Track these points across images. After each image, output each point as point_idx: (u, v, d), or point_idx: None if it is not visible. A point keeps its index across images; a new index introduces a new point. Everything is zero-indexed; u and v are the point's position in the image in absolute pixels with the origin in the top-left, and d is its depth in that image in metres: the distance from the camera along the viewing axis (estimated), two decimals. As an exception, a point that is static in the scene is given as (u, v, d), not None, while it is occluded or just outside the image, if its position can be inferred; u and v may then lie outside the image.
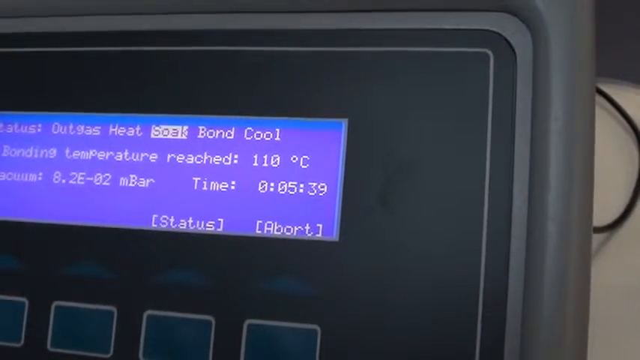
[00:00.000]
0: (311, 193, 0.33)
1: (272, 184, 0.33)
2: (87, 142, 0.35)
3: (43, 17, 0.37)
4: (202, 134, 0.34)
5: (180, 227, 0.33)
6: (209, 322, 0.32)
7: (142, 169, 0.34)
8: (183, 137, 0.34)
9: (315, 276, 0.32)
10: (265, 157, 0.33)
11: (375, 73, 0.33)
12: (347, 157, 0.33)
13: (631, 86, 0.57)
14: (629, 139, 0.55)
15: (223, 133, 0.34)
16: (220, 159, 0.34)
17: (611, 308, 0.49)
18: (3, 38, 0.37)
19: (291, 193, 0.33)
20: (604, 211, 0.52)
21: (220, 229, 0.33)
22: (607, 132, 0.55)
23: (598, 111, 0.54)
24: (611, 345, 0.47)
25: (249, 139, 0.34)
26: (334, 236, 0.32)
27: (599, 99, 0.55)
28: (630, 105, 0.56)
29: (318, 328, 0.31)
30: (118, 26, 0.36)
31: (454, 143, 0.32)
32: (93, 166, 0.35)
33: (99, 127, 0.35)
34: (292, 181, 0.33)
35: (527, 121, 0.31)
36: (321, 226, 0.32)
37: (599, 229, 0.51)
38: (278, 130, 0.33)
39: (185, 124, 0.34)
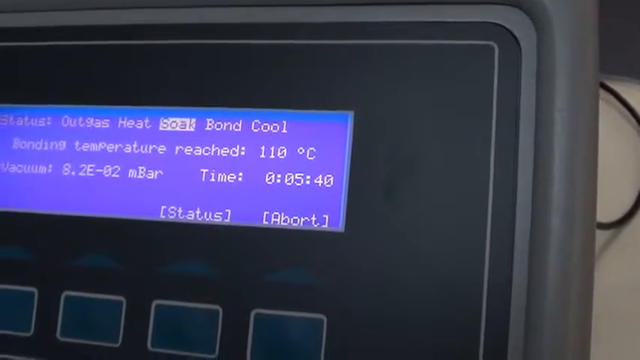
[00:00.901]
0: (317, 185, 0.33)
1: (279, 176, 0.33)
2: (96, 135, 0.36)
3: (52, 11, 0.37)
4: (210, 126, 0.34)
5: (188, 218, 0.34)
6: (216, 312, 0.33)
7: (151, 161, 0.35)
8: (191, 129, 0.35)
9: (321, 266, 0.32)
10: (272, 148, 0.34)
11: (380, 65, 0.33)
12: (353, 149, 0.33)
13: (638, 83, 0.57)
14: (636, 137, 0.55)
15: (231, 125, 0.34)
16: (228, 151, 0.34)
17: (617, 306, 0.49)
18: (12, 32, 0.38)
19: (297, 184, 0.33)
20: (611, 208, 0.51)
21: (228, 220, 0.33)
22: (615, 129, 0.55)
23: (606, 108, 0.54)
24: (613, 341, 0.47)
25: (257, 131, 0.34)
26: (340, 227, 0.32)
27: (606, 95, 0.55)
28: (638, 102, 0.56)
29: (324, 318, 0.32)
30: (127, 20, 0.36)
31: (459, 136, 0.32)
32: (102, 158, 0.35)
33: (108, 120, 0.36)
34: (299, 172, 0.33)
35: (531, 113, 0.31)
36: (327, 217, 0.33)
37: (606, 226, 0.51)
38: (285, 122, 0.34)
39: (193, 117, 0.35)
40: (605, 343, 0.41)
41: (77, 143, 0.36)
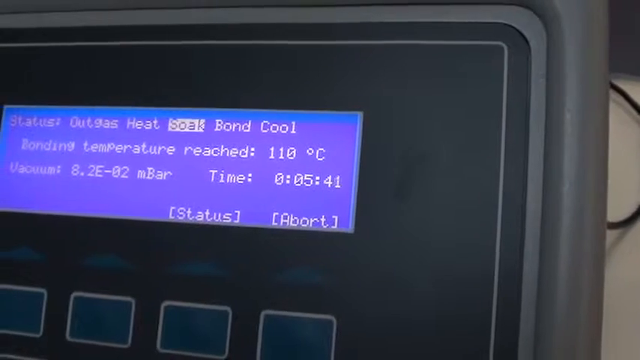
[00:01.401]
0: (327, 186, 0.33)
1: (288, 177, 0.33)
2: (105, 136, 0.36)
3: (61, 12, 0.37)
4: (219, 127, 0.34)
5: (198, 219, 0.34)
6: (226, 313, 0.33)
7: (160, 162, 0.35)
8: (200, 130, 0.35)
9: (330, 267, 0.32)
10: (281, 149, 0.34)
11: (389, 66, 0.33)
12: (362, 150, 0.33)
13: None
14: (645, 136, 0.55)
15: (240, 126, 0.34)
16: (237, 152, 0.34)
17: (625, 305, 0.49)
18: (21, 33, 0.38)
19: (307, 185, 0.33)
20: (618, 208, 0.51)
21: (237, 221, 0.33)
22: (623, 129, 0.55)
23: (614, 107, 0.54)
24: (623, 339, 0.47)
25: (266, 132, 0.34)
26: (349, 228, 0.32)
27: (615, 95, 0.55)
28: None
29: (334, 319, 0.32)
30: (135, 21, 0.36)
31: (469, 136, 0.32)
32: (111, 159, 0.35)
33: (117, 121, 0.36)
34: (308, 173, 0.33)
35: (541, 113, 0.31)
36: (336, 218, 0.33)
37: (613, 225, 0.51)
38: (294, 123, 0.34)
39: (202, 118, 0.35)
40: (615, 341, 0.41)
41: (86, 144, 0.36)
